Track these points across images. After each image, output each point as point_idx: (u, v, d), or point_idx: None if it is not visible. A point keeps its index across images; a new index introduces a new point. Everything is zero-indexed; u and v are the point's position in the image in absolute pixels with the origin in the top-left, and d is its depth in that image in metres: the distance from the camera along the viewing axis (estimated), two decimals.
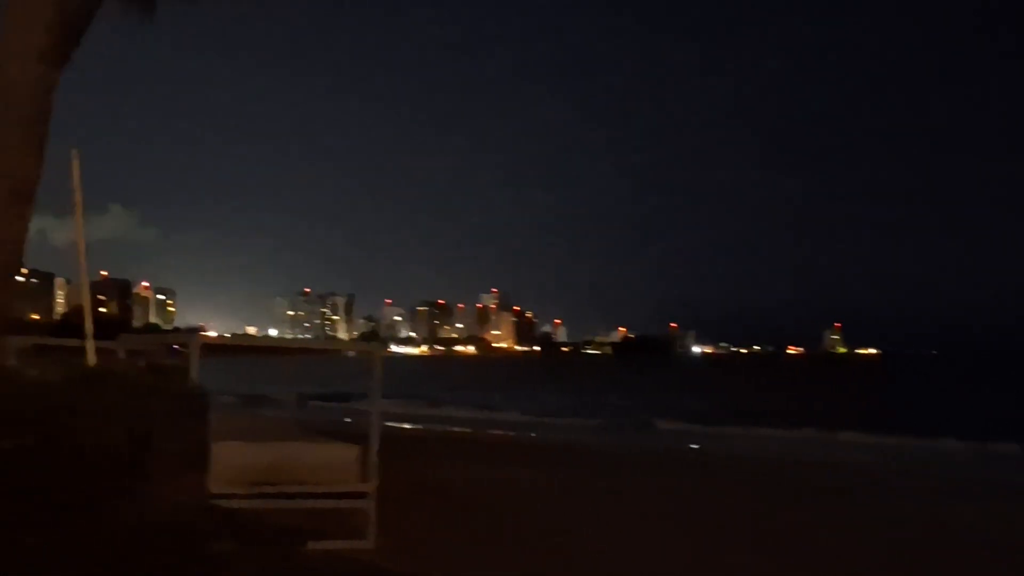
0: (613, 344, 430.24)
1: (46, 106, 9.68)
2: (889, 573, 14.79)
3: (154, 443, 10.18)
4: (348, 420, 38.01)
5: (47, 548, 8.44)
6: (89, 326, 15.17)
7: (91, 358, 14.55)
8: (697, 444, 42.56)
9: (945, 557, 15.70)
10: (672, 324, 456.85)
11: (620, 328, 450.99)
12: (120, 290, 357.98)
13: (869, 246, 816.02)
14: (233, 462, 12.34)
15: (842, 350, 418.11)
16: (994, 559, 15.83)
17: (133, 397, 10.47)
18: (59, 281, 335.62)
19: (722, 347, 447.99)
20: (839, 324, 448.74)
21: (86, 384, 10.71)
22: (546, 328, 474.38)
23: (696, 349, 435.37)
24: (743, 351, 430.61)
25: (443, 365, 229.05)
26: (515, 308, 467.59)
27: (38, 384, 10.39)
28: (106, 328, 18.29)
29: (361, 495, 13.92)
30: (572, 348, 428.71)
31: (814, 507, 20.85)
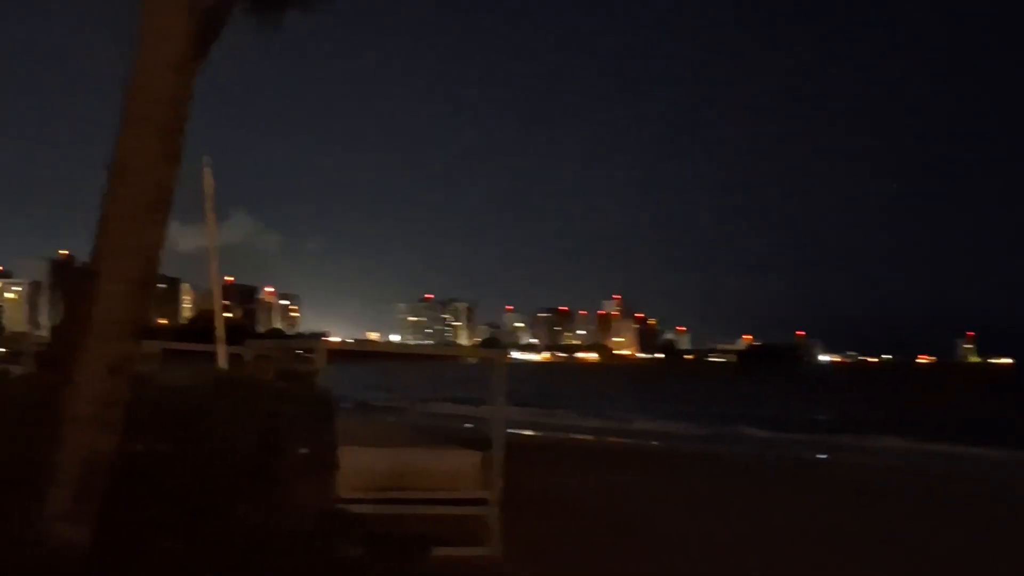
0: (738, 352, 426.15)
1: (182, 115, 9.93)
2: None
3: (285, 448, 10.46)
4: (469, 426, 38.27)
5: (181, 550, 8.71)
6: (220, 331, 15.60)
7: (222, 362, 14.95)
8: (825, 455, 42.07)
9: None
10: (799, 332, 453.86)
11: (745, 336, 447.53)
12: (245, 295, 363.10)
13: (1003, 253, 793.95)
14: (359, 467, 12.55)
15: (975, 359, 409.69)
16: None
17: (265, 402, 10.76)
18: (185, 286, 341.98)
19: (849, 356, 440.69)
20: (972, 333, 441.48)
21: (219, 389, 11.03)
22: (669, 335, 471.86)
23: (823, 358, 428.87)
24: (871, 360, 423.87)
25: (564, 372, 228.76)
26: (638, 315, 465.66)
27: (172, 389, 10.73)
28: (231, 333, 18.76)
29: (483, 502, 14.07)
30: (696, 356, 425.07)
31: (941, 520, 20.53)
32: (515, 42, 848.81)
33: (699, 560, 15.28)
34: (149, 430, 9.48)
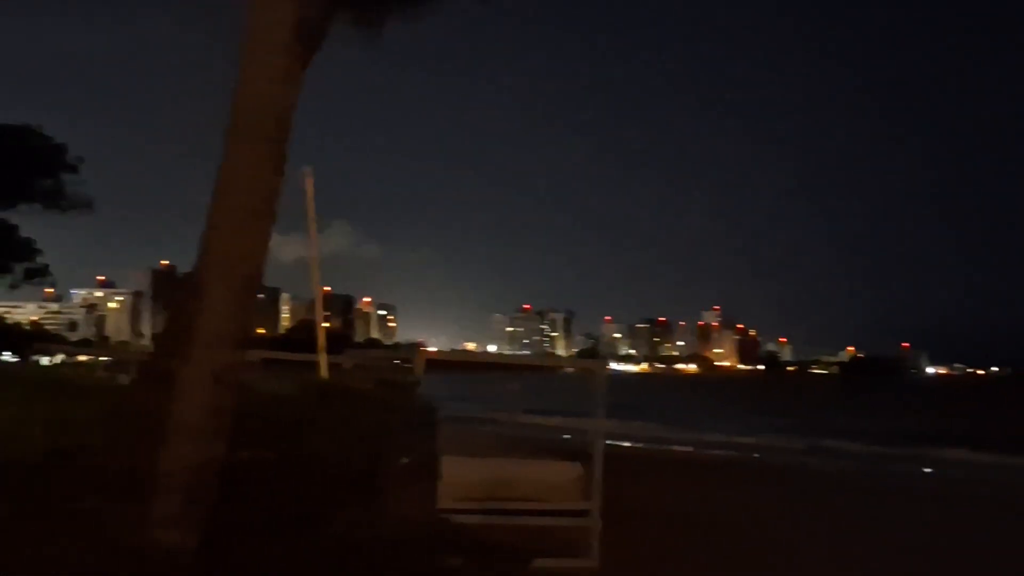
0: (841, 364, 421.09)
1: (286, 126, 10.10)
2: None
3: (387, 457, 10.59)
4: (567, 437, 38.24)
5: (286, 557, 8.85)
6: (322, 341, 15.79)
7: (324, 371, 15.13)
8: (930, 469, 41.48)
9: None
10: (904, 344, 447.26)
11: (849, 347, 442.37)
12: (343, 305, 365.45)
13: None
14: (459, 478, 12.62)
15: None
16: None
17: (366, 412, 10.90)
18: (284, 296, 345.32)
19: (957, 368, 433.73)
20: None
21: (322, 398, 11.20)
22: (770, 346, 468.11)
23: (930, 370, 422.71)
24: (980, 372, 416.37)
25: (663, 383, 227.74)
26: (738, 326, 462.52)
27: (276, 398, 10.91)
28: (330, 342, 18.96)
29: (583, 513, 14.09)
30: (798, 367, 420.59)
31: None
32: (607, 57, 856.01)
33: (804, 572, 15.16)
34: (254, 438, 9.64)
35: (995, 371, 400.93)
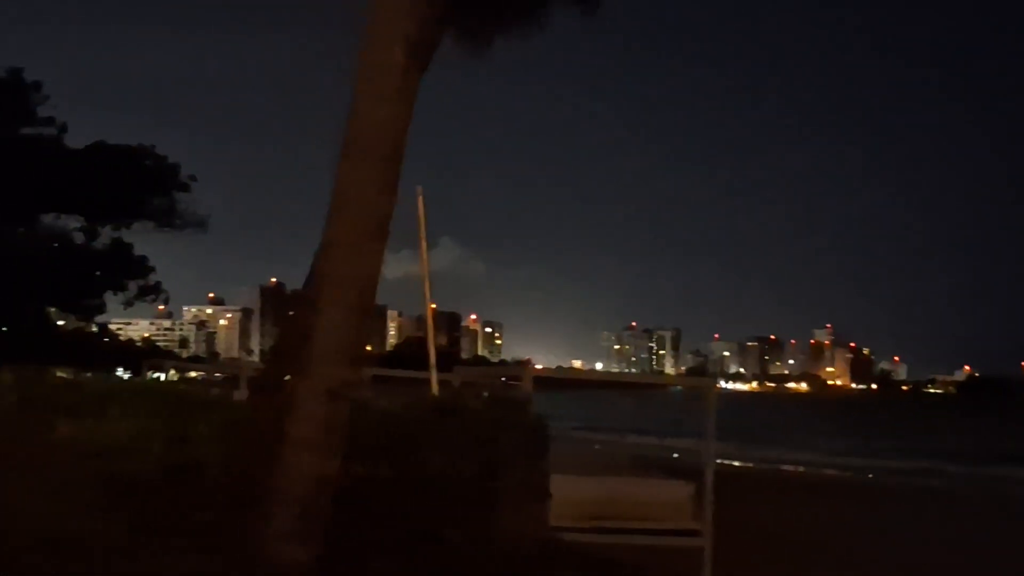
0: (958, 383, 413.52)
1: (400, 144, 10.23)
2: None
3: (500, 475, 10.67)
4: (676, 456, 38.11)
5: (400, 573, 8.98)
6: (433, 358, 15.96)
7: (435, 389, 15.28)
8: None
9: None
10: None
11: (966, 367, 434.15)
12: (449, 322, 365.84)
13: None
14: (571, 495, 12.65)
15: None
16: None
17: (479, 429, 11.01)
18: (390, 313, 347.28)
19: None
20: None
21: (435, 415, 11.32)
22: (884, 365, 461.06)
23: None
24: None
25: (773, 402, 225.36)
26: (851, 344, 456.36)
27: (389, 415, 11.05)
28: (439, 359, 19.15)
29: (695, 533, 14.06)
30: (912, 387, 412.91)
31: None
32: (717, 81, 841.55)
33: None
34: (368, 454, 9.78)
35: None
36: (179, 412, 11.19)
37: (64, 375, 21.79)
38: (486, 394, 14.78)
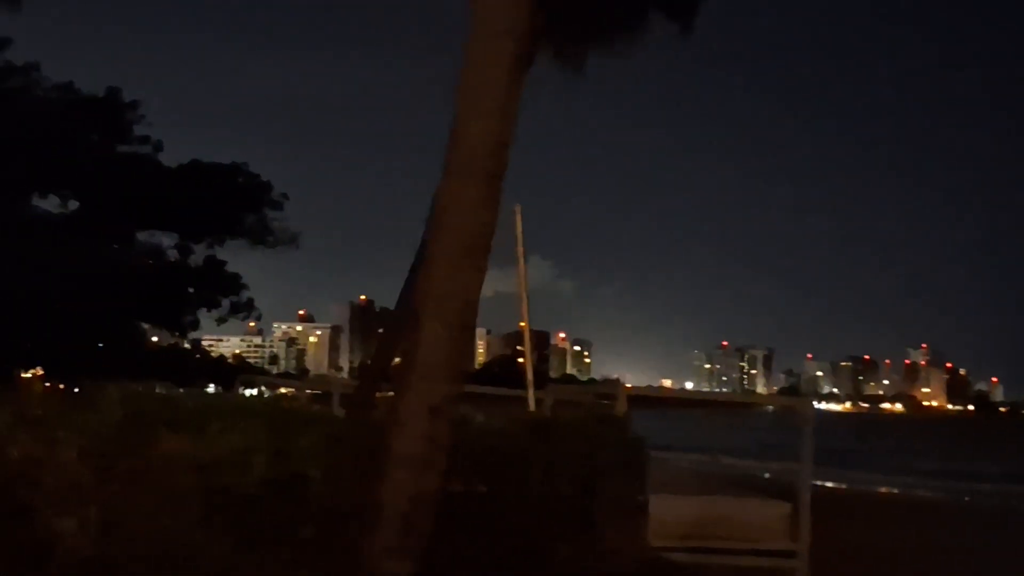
0: None
1: (503, 162, 10.30)
2: None
3: (599, 492, 10.74)
4: (768, 476, 37.86)
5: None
6: (530, 375, 16.07)
7: (531, 406, 15.39)
8: None
9: None
10: None
11: None
12: (539, 341, 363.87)
13: None
14: (668, 514, 12.69)
15: None
16: None
17: (578, 446, 11.08)
18: (479, 331, 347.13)
19: None
20: None
21: (535, 433, 11.41)
22: (981, 386, 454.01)
23: None
24: None
25: (868, 423, 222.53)
26: (947, 364, 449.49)
27: (488, 431, 11.15)
28: (516, 377, 19.33)
29: (792, 554, 14.03)
30: (1010, 408, 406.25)
31: None
32: (817, 101, 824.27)
33: None
34: (468, 471, 9.87)
35: None
36: (280, 427, 11.33)
37: (160, 391, 22.09)
38: (584, 412, 14.87)
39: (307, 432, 11.23)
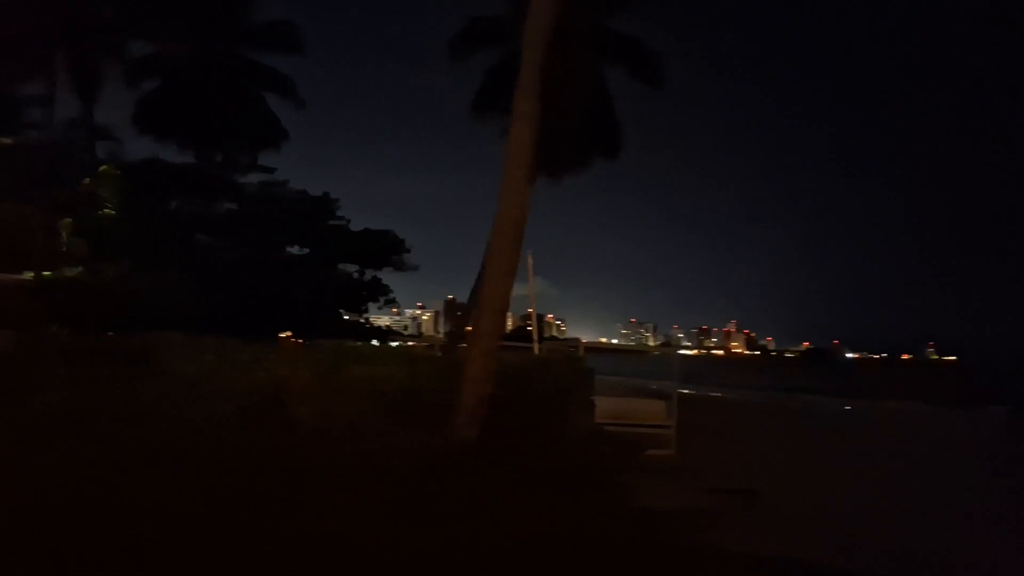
0: None
1: (522, 225, 9.89)
2: None
3: (570, 395, 10.67)
4: (655, 387, 37.18)
5: (521, 444, 8.99)
6: (535, 335, 16.01)
7: (536, 351, 15.30)
8: None
9: None
10: None
11: None
12: (537, 319, 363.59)
13: None
14: (604, 406, 12.57)
15: (934, 357, 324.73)
16: None
17: (558, 371, 11.02)
18: (509, 313, 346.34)
19: None
20: (931, 343, 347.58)
21: (538, 365, 11.35)
22: (763, 342, 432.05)
23: None
24: None
25: (704, 361, 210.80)
26: (745, 331, 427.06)
27: (513, 364, 11.08)
28: (529, 337, 19.33)
29: (667, 427, 13.87)
30: (777, 353, 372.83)
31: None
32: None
33: (779, 459, 14.49)
34: (503, 383, 9.80)
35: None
36: (410, 361, 11.31)
37: (349, 344, 22.07)
38: (572, 349, 14.75)
39: (423, 364, 11.21)
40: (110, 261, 24.96)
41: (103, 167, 27.20)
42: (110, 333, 15.60)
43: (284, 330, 26.51)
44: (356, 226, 32.82)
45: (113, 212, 26.82)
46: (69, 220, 26.65)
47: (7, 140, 26.83)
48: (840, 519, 8.64)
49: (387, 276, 34.84)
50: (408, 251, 34.37)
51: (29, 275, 22.60)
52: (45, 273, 22.76)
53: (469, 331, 12.73)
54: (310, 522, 6.08)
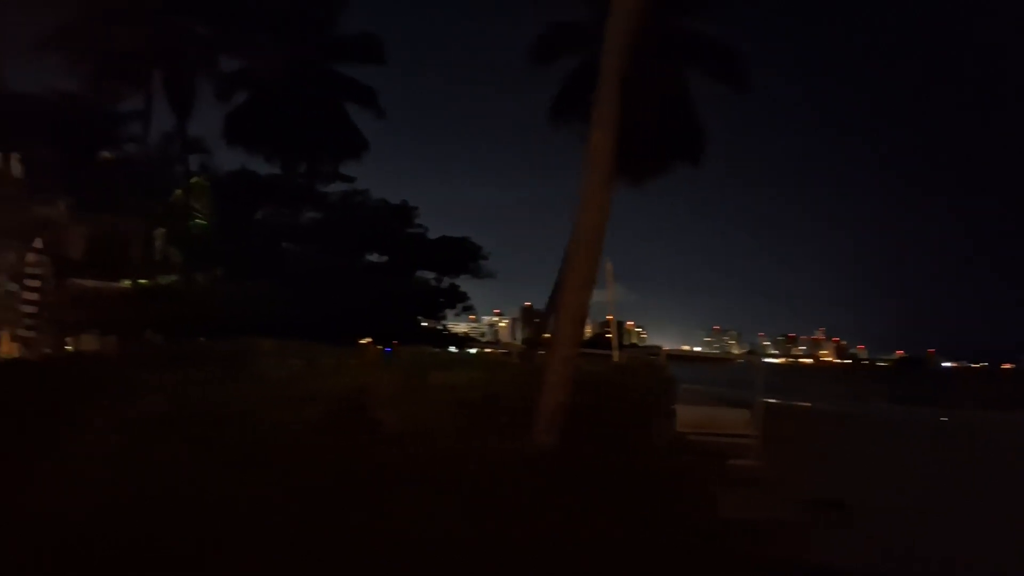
0: None
1: (602, 235, 9.83)
2: None
3: (655, 403, 10.63)
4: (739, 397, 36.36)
5: (603, 452, 8.99)
6: (615, 342, 16.01)
7: (615, 358, 15.28)
8: None
9: None
10: None
11: None
12: (617, 326, 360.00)
13: None
14: (685, 416, 12.46)
15: None
16: None
17: (640, 379, 11.00)
18: (588, 320, 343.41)
19: None
20: None
21: (618, 372, 11.35)
22: (854, 350, 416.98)
23: None
24: None
25: (792, 369, 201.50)
26: (835, 339, 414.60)
27: (593, 371, 11.12)
28: (607, 344, 19.34)
29: (752, 437, 13.62)
30: (870, 361, 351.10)
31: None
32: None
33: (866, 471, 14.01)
34: (582, 391, 9.84)
35: None
36: (488, 368, 11.46)
37: (428, 351, 22.46)
38: (653, 357, 14.69)
39: (501, 370, 11.34)
40: (201, 269, 26.13)
41: (195, 178, 28.52)
42: (201, 338, 16.30)
43: (365, 336, 27.15)
44: (433, 234, 33.44)
45: (204, 222, 28.07)
46: (163, 230, 28.00)
47: (107, 155, 28.42)
48: (938, 539, 8.34)
49: (464, 283, 35.30)
50: (485, 258, 34.76)
51: (126, 283, 23.83)
52: (141, 281, 23.97)
53: (547, 338, 12.83)
54: (395, 523, 6.26)
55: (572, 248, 9.99)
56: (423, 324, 33.62)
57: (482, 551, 5.89)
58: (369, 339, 26.18)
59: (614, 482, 7.80)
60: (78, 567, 5.23)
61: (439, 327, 32.12)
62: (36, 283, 16.04)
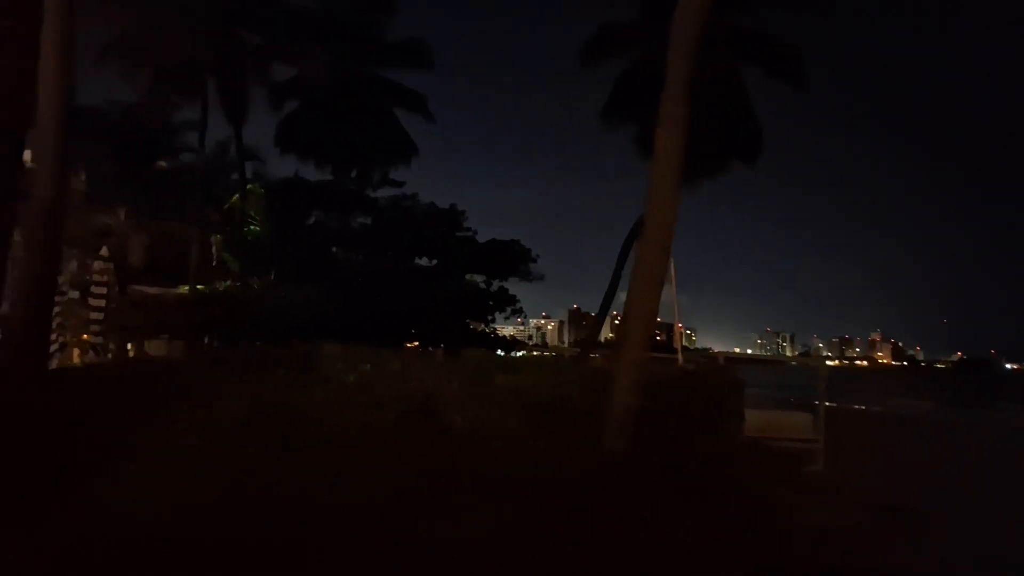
0: None
1: (671, 233, 9.70)
2: None
3: (723, 407, 10.59)
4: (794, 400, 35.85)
5: (671, 454, 8.97)
6: (678, 346, 15.94)
7: (680, 362, 15.21)
8: None
9: None
10: None
11: None
12: (667, 329, 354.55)
13: None
14: (752, 419, 12.41)
15: None
16: None
17: (710, 383, 10.97)
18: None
19: None
20: None
21: (684, 376, 11.33)
22: (911, 352, 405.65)
23: None
24: None
25: (848, 371, 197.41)
26: (892, 340, 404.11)
27: (659, 375, 11.10)
28: (661, 348, 19.20)
29: (815, 441, 13.51)
30: (926, 363, 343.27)
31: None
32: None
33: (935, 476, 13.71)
34: (651, 395, 9.83)
35: None
36: (554, 371, 11.52)
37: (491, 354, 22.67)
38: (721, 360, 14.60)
39: (567, 373, 11.39)
40: (256, 274, 26.67)
41: (249, 186, 29.15)
42: (257, 343, 16.63)
43: (415, 339, 27.45)
44: (482, 237, 33.64)
45: (258, 228, 28.66)
46: (219, 236, 28.65)
47: (164, 164, 29.20)
48: (1014, 546, 8.19)
49: (513, 286, 35.42)
50: (534, 260, 34.84)
51: (184, 289, 24.44)
52: (199, 287, 24.57)
53: (615, 341, 12.84)
54: (464, 525, 6.35)
55: (641, 250, 9.99)
56: (471, 327, 33.72)
57: (560, 560, 5.94)
58: (415, 344, 26.46)
59: (688, 488, 7.78)
60: (163, 567, 5.41)
61: (487, 330, 32.24)
62: (102, 290, 16.58)
